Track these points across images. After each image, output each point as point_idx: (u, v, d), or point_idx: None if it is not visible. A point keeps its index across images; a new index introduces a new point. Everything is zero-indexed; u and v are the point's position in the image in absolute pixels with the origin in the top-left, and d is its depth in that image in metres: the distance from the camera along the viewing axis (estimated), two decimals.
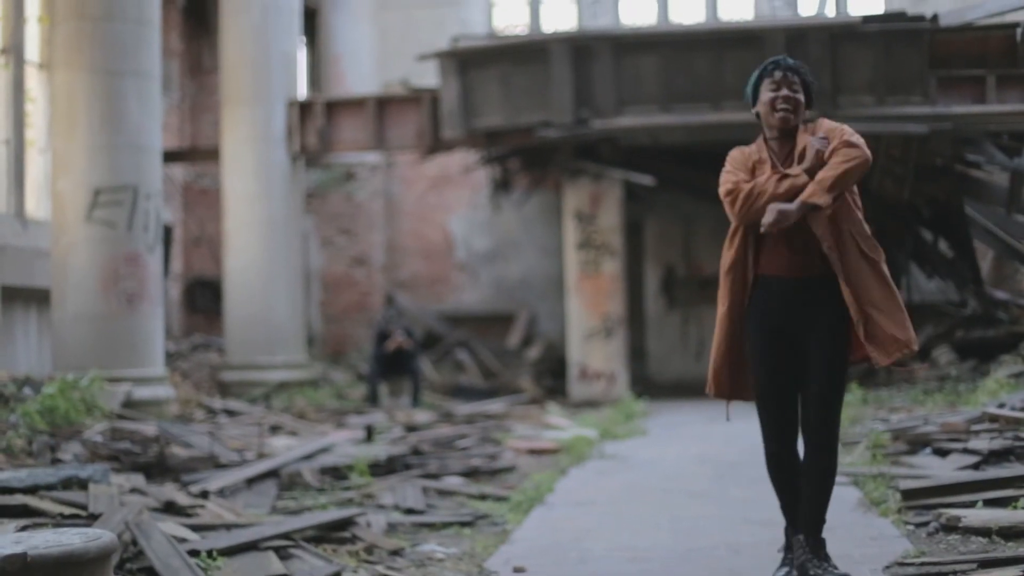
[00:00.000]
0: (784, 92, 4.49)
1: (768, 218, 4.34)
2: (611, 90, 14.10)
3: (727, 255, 4.56)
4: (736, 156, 4.58)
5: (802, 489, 4.48)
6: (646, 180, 14.76)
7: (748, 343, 4.54)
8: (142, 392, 10.24)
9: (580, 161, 14.92)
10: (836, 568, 4.43)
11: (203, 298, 18.00)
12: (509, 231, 18.94)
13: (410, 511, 6.64)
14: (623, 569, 5.17)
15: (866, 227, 4.48)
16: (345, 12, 18.86)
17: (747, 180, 4.45)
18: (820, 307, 4.45)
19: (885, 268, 4.46)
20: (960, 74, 13.63)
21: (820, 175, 4.34)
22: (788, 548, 4.62)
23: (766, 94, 4.52)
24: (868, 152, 4.39)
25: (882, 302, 4.39)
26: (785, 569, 4.57)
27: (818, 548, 4.45)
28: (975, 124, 13.54)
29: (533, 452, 9.48)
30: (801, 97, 4.52)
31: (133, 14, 10.49)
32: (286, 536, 5.44)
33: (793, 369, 4.49)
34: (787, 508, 4.58)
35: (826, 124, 4.54)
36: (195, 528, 5.73)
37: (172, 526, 5.57)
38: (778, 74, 4.51)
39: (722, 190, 4.49)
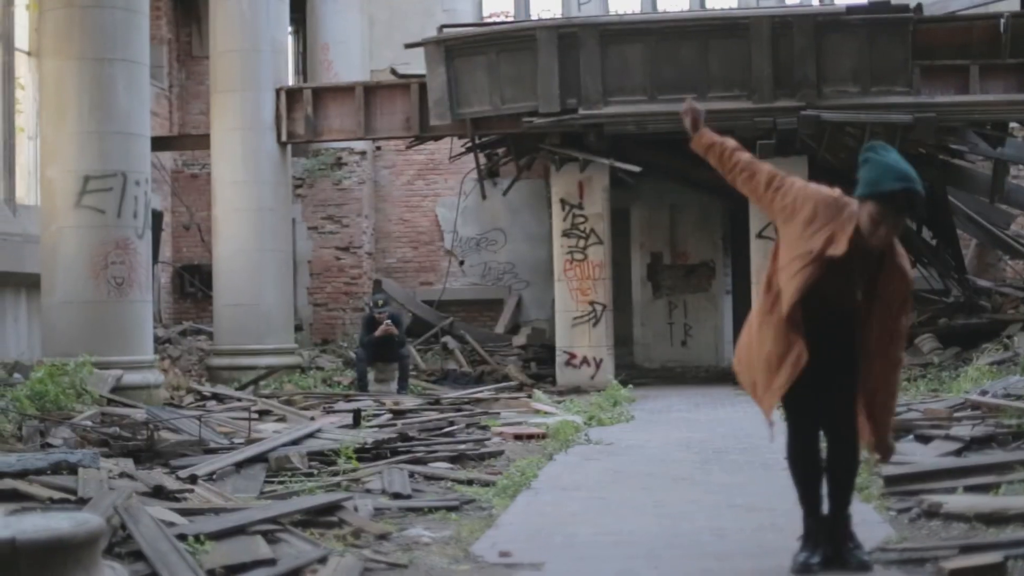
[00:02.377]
0: (885, 230, 4.38)
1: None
2: (598, 78, 14.12)
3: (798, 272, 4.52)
4: (827, 200, 4.56)
5: (833, 476, 4.70)
6: (632, 168, 14.79)
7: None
8: (131, 377, 10.27)
9: (567, 149, 14.94)
10: (861, 548, 4.67)
11: (192, 284, 18.01)
12: (496, 218, 18.98)
13: (397, 496, 6.66)
14: (608, 553, 5.21)
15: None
16: (333, 0, 18.84)
17: (813, 211, 4.53)
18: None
19: None
20: (944, 64, 13.68)
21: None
22: (807, 536, 4.72)
23: (874, 211, 4.35)
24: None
25: None
26: (805, 553, 4.67)
27: (847, 523, 4.70)
28: (958, 113, 13.60)
29: (519, 438, 9.51)
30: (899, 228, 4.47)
31: (122, 1, 10.48)
32: (274, 520, 5.45)
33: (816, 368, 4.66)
34: (811, 497, 4.73)
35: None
36: (183, 512, 5.74)
37: (161, 510, 5.57)
38: (892, 209, 4.36)
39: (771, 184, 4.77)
